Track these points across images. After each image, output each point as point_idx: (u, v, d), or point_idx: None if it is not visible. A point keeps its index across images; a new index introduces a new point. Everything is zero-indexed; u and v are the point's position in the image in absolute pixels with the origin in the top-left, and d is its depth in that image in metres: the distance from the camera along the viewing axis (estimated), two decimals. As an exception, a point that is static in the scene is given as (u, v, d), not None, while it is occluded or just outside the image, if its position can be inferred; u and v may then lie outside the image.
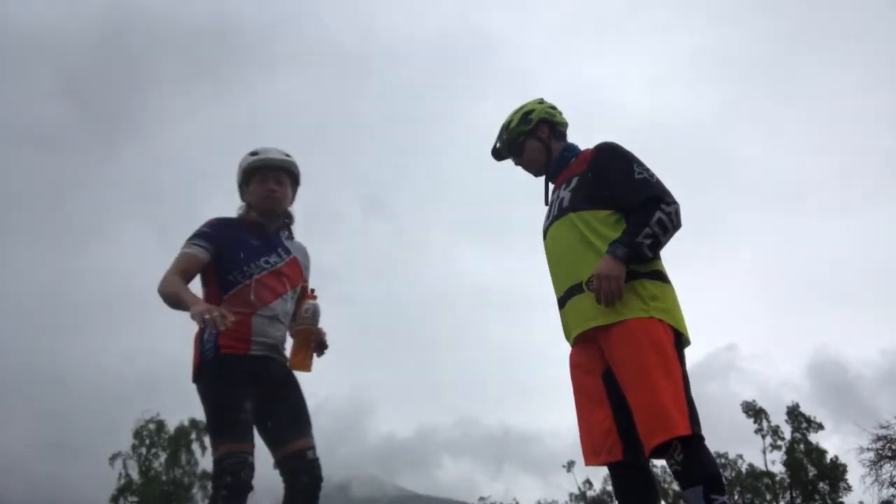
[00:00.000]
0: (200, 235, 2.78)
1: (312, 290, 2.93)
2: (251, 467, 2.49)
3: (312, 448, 2.69)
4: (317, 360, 2.84)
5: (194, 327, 2.69)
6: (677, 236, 2.56)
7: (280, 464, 2.69)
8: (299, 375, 2.83)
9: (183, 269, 2.71)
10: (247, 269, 2.74)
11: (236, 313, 2.58)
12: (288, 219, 3.00)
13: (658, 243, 2.43)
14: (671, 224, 2.43)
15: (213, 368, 2.64)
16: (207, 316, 2.42)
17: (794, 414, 37.94)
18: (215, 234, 2.79)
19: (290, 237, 3.01)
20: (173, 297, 2.62)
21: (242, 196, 2.96)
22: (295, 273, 2.91)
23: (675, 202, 2.47)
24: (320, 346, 2.79)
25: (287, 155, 2.93)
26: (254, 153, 2.91)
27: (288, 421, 2.72)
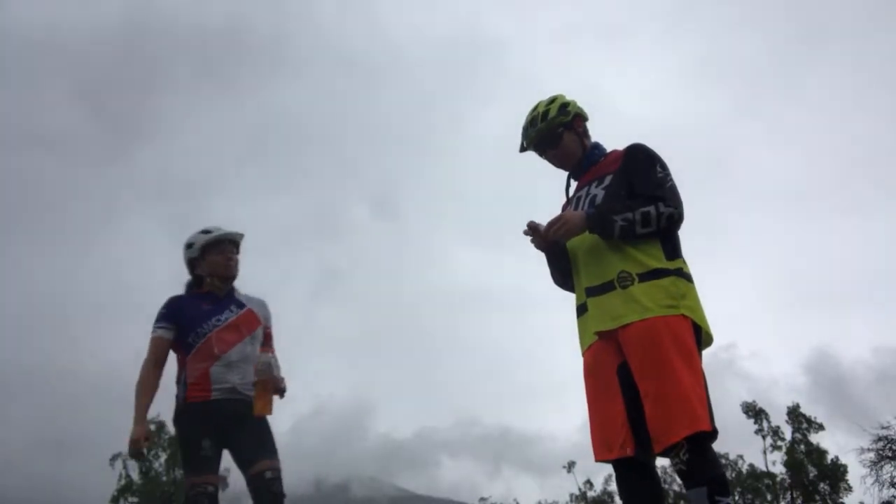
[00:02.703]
0: (161, 318, 3.38)
1: (268, 332, 3.56)
2: (210, 496, 3.12)
3: (272, 469, 3.20)
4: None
5: None
6: (681, 235, 2.59)
7: (248, 484, 3.22)
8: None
9: (155, 356, 3.36)
10: (200, 329, 3.32)
11: (200, 367, 3.28)
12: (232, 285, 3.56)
13: (631, 231, 2.46)
14: (656, 222, 2.45)
15: (180, 415, 3.30)
16: (130, 451, 3.22)
17: (794, 414, 37.92)
18: (172, 312, 3.39)
19: (243, 295, 3.56)
20: (135, 398, 3.28)
21: (195, 269, 3.48)
22: (250, 321, 3.47)
23: (673, 207, 2.48)
24: (280, 391, 3.33)
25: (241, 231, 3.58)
26: (207, 231, 3.47)
27: (251, 446, 3.25)
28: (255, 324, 3.47)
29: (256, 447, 3.24)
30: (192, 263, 3.48)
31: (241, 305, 3.47)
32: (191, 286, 3.51)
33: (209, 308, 3.38)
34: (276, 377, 3.31)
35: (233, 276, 3.50)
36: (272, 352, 3.45)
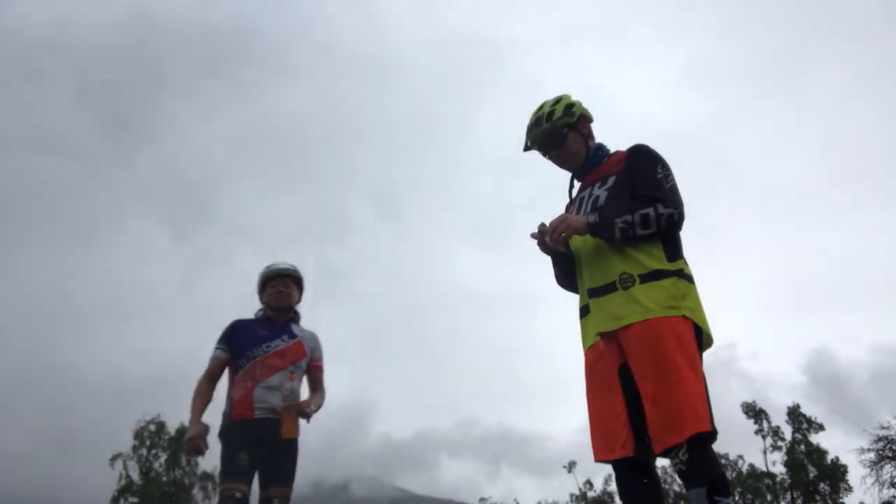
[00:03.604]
0: (220, 339, 3.83)
1: (316, 365, 3.92)
2: (237, 500, 3.41)
3: (280, 497, 3.57)
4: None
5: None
6: (682, 236, 2.60)
7: None
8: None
9: (210, 372, 3.79)
10: (250, 353, 3.72)
11: (245, 387, 3.65)
12: (294, 314, 3.96)
13: (631, 233, 2.47)
14: (655, 224, 2.46)
15: (225, 432, 3.64)
16: (187, 447, 3.62)
17: (794, 414, 37.94)
18: (228, 334, 3.83)
19: (299, 327, 3.94)
20: (191, 404, 3.70)
21: (261, 300, 3.94)
22: (297, 351, 3.83)
23: (673, 208, 2.48)
24: (304, 415, 3.66)
25: (293, 265, 3.97)
26: (268, 266, 3.93)
27: (272, 473, 3.60)
28: (300, 354, 3.84)
29: (277, 474, 3.61)
30: (259, 295, 3.95)
31: (293, 336, 3.86)
32: (259, 312, 3.94)
33: (264, 334, 3.80)
34: (300, 402, 3.67)
35: (282, 307, 3.88)
36: (321, 385, 3.90)
